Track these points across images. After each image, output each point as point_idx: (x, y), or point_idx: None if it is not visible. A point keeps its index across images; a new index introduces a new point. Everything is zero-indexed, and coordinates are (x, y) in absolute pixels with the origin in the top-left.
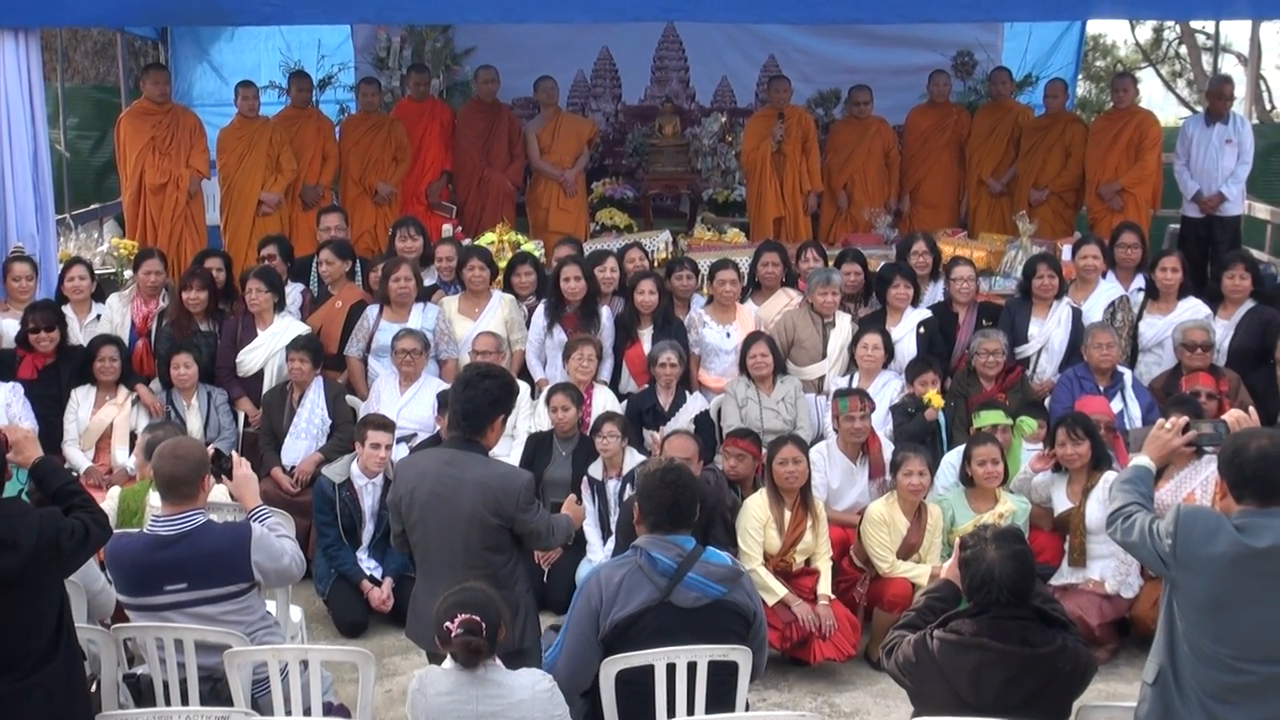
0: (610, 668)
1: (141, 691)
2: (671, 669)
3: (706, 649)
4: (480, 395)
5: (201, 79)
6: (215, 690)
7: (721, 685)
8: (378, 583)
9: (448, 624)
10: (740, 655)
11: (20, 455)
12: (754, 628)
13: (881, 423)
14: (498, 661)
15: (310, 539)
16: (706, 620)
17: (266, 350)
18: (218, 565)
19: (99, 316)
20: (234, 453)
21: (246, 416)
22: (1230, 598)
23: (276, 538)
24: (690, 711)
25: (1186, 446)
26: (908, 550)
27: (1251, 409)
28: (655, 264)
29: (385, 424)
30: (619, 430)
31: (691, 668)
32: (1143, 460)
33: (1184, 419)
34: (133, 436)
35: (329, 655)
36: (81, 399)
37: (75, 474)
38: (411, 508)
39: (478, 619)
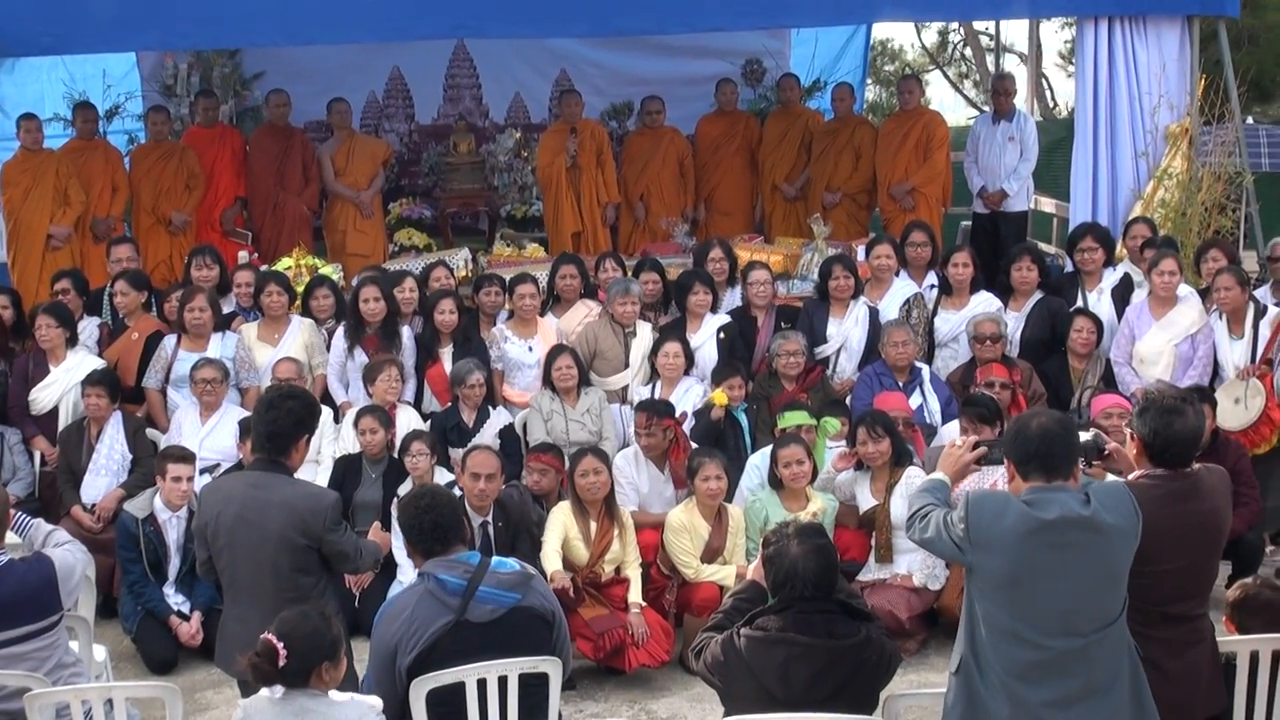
0: (420, 688)
1: None
2: (483, 684)
3: (516, 661)
4: (284, 416)
5: None
6: None
7: (533, 697)
8: (186, 617)
9: (261, 637)
10: (550, 666)
11: None
12: (555, 627)
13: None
14: (326, 691)
15: (115, 577)
16: (507, 631)
17: (60, 387)
18: (25, 603)
19: None
20: None
21: (43, 455)
22: (1024, 572)
23: (56, 547)
24: None
25: (975, 464)
26: (711, 554)
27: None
28: (456, 282)
29: (185, 456)
30: (427, 448)
31: (502, 682)
32: (939, 475)
33: (974, 438)
34: None
35: (134, 691)
36: None
37: None
38: (218, 532)
39: (278, 647)
